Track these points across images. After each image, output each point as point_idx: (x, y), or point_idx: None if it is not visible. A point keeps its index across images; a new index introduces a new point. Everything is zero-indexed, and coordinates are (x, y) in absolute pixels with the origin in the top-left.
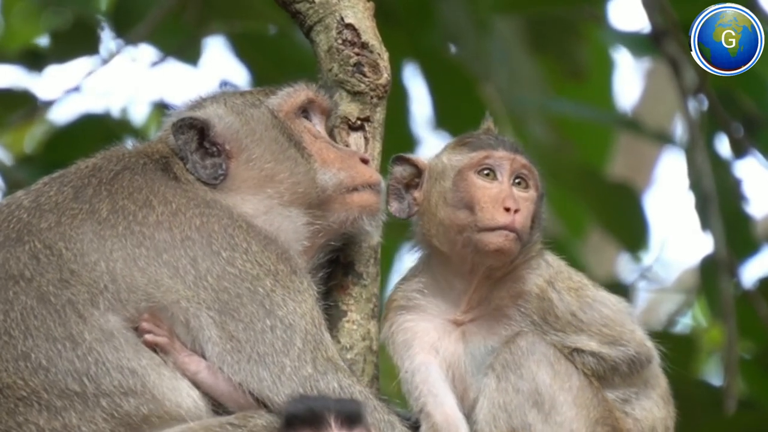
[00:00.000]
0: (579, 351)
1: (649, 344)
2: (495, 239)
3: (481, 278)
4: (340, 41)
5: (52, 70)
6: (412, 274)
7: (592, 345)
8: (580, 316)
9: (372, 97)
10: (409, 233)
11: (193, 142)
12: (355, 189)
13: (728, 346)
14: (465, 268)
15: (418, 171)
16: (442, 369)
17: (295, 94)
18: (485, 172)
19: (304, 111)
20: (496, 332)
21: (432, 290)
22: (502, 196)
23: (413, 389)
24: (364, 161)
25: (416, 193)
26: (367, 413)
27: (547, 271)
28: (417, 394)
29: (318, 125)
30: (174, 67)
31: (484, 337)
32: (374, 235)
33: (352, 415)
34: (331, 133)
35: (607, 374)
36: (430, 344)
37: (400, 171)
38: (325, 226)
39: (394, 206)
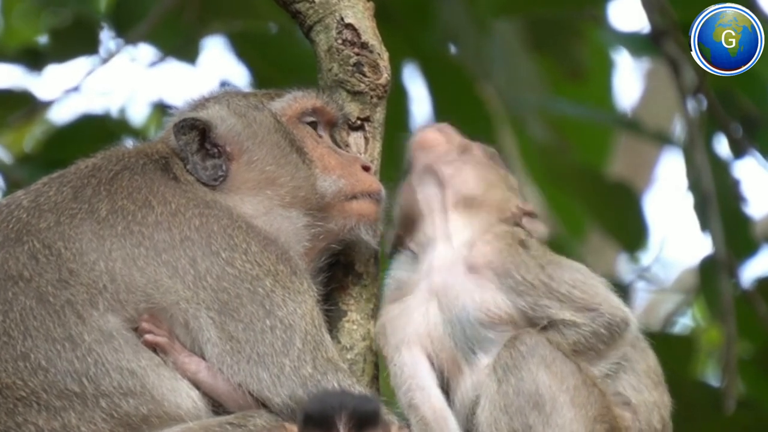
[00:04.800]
0: (555, 324)
1: (625, 308)
2: None
3: None
4: (340, 41)
5: (52, 70)
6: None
7: (565, 314)
8: (549, 271)
9: (372, 97)
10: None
11: (195, 142)
12: (354, 197)
13: (727, 347)
14: None
15: None
16: (429, 357)
17: (301, 99)
18: None
19: (309, 117)
20: (471, 293)
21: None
22: None
23: (402, 383)
24: (366, 168)
25: None
26: (383, 412)
27: (517, 232)
28: (405, 389)
29: (322, 131)
30: (173, 66)
31: (461, 303)
32: (371, 244)
33: (366, 415)
34: (333, 137)
35: (590, 343)
36: (417, 333)
37: None
38: (325, 229)
39: None
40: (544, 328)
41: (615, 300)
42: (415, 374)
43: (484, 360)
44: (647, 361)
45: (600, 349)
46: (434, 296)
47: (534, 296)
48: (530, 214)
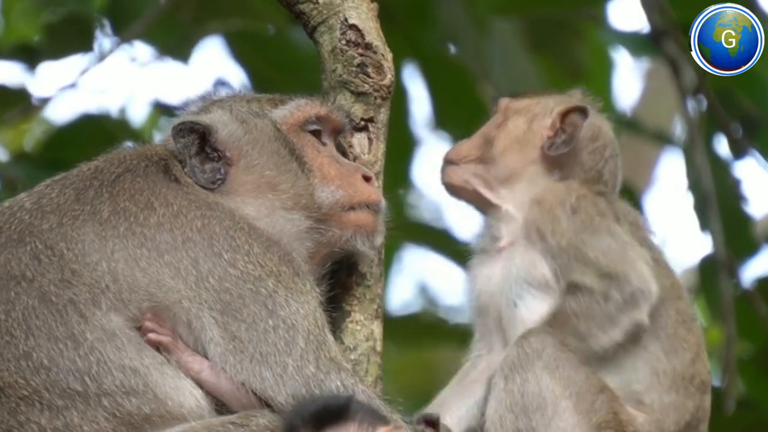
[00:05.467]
0: (574, 288)
1: (652, 283)
2: None
3: None
4: (344, 42)
5: (47, 67)
6: None
7: (585, 280)
8: (583, 237)
9: (376, 98)
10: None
11: (194, 146)
12: (351, 208)
13: (727, 347)
14: None
15: None
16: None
17: (304, 108)
18: None
19: (313, 125)
20: (521, 256)
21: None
22: None
23: (471, 291)
24: (367, 179)
25: None
26: (356, 405)
27: (572, 193)
28: (475, 295)
29: (326, 138)
30: (170, 65)
31: (516, 263)
32: (368, 255)
33: (330, 412)
34: (338, 143)
35: (603, 307)
36: (489, 291)
37: None
38: (326, 235)
39: None
40: (566, 292)
41: (644, 272)
42: (482, 291)
43: (522, 312)
44: (673, 362)
45: (612, 313)
46: (500, 258)
47: (564, 258)
48: (563, 119)
